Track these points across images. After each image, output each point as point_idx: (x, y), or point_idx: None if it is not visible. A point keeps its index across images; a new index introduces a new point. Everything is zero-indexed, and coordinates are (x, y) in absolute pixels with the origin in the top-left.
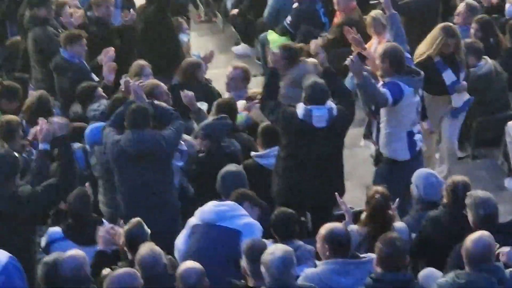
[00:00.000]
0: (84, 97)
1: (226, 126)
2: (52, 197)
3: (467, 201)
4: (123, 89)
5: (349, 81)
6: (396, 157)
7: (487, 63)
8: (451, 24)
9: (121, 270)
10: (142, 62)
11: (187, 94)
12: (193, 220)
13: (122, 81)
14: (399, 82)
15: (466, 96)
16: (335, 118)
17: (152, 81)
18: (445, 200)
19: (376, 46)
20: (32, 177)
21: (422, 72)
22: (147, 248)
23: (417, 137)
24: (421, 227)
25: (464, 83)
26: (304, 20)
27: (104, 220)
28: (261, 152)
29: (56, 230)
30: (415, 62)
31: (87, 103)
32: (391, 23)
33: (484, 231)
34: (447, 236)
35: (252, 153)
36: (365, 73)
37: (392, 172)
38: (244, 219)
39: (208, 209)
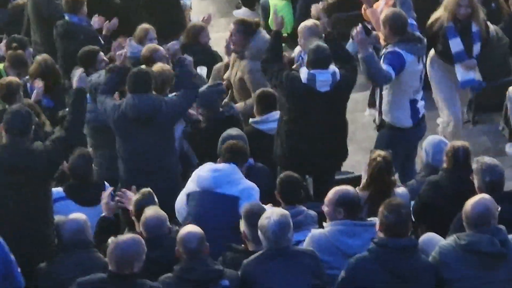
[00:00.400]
0: (86, 61)
1: (220, 92)
2: (61, 149)
3: (474, 166)
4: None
5: (350, 45)
6: (399, 124)
7: (489, 28)
8: None
9: (126, 236)
10: (146, 26)
11: None
12: (190, 185)
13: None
14: (400, 51)
15: (472, 75)
16: (338, 82)
17: (151, 45)
18: (445, 165)
19: (382, 8)
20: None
21: (424, 39)
22: (152, 210)
23: (420, 104)
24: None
25: (473, 61)
26: None
27: (106, 183)
28: (259, 118)
29: (57, 190)
30: (427, 24)
31: (89, 67)
32: None
33: (485, 194)
34: (447, 201)
35: (250, 120)
36: (370, 50)
37: (394, 138)
38: (242, 183)
39: (205, 175)
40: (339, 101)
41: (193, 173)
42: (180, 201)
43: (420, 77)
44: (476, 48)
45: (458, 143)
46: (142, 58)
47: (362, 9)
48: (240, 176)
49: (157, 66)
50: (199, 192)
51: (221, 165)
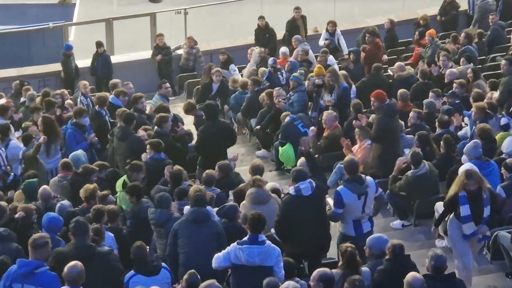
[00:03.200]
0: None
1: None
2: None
3: (429, 253)
4: None
5: (333, 175)
6: (344, 232)
7: (425, 166)
8: (471, 168)
9: None
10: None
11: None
12: (236, 258)
13: None
14: (340, 191)
15: (474, 231)
16: (316, 188)
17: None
18: (387, 256)
19: (357, 148)
20: None
21: (365, 181)
22: (206, 283)
23: (365, 224)
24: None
25: (484, 229)
26: (287, 133)
27: (162, 263)
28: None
29: (130, 272)
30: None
31: None
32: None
33: (416, 273)
34: (391, 281)
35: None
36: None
37: (343, 241)
38: (273, 254)
39: (250, 253)
40: (319, 201)
41: (236, 248)
42: (222, 260)
43: (362, 208)
44: (486, 211)
45: (395, 241)
46: None
47: (343, 149)
48: (269, 246)
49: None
50: (247, 267)
51: (260, 246)
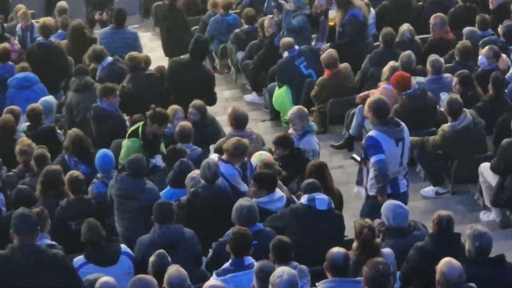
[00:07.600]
0: None
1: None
2: None
3: (467, 231)
4: None
5: (354, 121)
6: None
7: (466, 116)
8: None
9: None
10: (175, 106)
11: None
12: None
13: None
14: (376, 138)
15: None
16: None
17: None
18: (431, 231)
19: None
20: None
21: (402, 124)
22: (174, 269)
23: (402, 183)
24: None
25: None
26: (285, 74)
27: (122, 247)
28: (264, 198)
29: (79, 258)
30: None
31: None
32: None
33: (452, 259)
34: (432, 262)
35: (255, 200)
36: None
37: (375, 207)
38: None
39: (238, 284)
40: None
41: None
42: None
43: (401, 162)
44: None
45: (444, 212)
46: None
47: (357, 97)
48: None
49: None
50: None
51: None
